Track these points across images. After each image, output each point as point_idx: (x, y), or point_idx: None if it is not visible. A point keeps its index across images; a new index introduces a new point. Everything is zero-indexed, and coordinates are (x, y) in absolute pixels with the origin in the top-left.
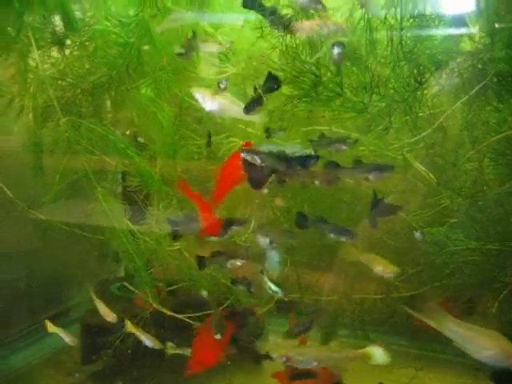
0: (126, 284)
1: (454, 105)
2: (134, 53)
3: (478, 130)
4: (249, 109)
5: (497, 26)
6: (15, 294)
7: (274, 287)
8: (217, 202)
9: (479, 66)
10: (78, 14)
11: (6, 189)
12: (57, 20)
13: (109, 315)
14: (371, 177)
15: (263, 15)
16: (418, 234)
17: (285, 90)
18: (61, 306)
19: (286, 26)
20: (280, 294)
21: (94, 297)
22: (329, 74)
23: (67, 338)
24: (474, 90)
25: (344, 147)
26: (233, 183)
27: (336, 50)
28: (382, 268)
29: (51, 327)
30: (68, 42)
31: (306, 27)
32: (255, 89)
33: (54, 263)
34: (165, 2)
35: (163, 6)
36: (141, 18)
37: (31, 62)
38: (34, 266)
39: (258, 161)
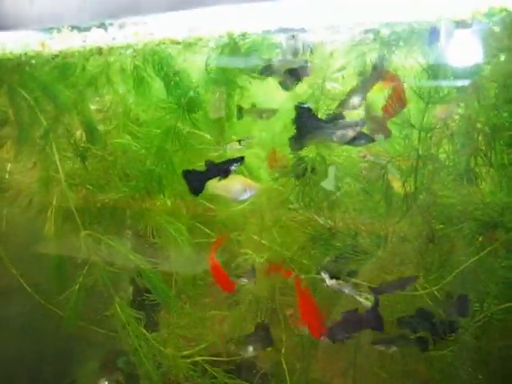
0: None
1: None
2: (155, 179)
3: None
4: None
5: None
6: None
7: None
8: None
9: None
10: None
11: (25, 284)
12: (79, 132)
13: None
14: None
15: None
16: None
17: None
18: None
19: (302, 174)
20: None
21: None
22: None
23: None
24: (485, 252)
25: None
26: None
27: None
28: None
29: None
30: (90, 153)
31: None
32: None
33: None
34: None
35: (185, 143)
36: (164, 150)
37: (53, 171)
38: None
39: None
